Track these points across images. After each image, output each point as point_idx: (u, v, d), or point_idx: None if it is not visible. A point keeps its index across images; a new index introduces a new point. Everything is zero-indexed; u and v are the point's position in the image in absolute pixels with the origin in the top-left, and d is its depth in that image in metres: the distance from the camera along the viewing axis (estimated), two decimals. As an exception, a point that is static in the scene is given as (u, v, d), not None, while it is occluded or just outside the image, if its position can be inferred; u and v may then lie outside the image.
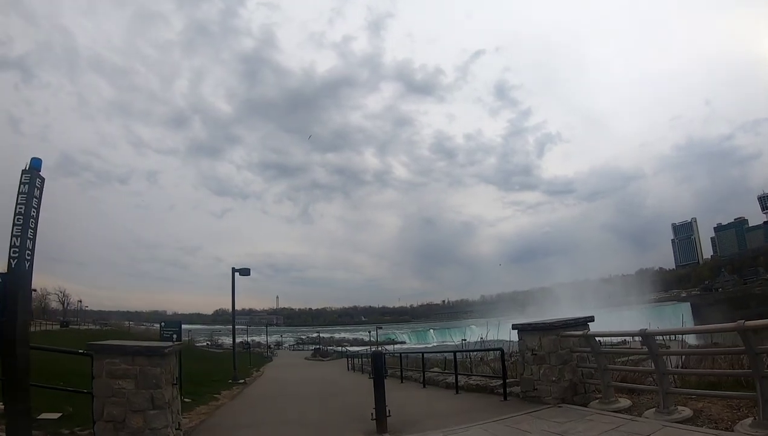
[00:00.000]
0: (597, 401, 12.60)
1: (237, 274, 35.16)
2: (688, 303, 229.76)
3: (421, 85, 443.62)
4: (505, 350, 19.39)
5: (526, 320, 15.77)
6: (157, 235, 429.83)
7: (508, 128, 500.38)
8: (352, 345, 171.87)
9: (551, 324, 13.91)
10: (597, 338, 13.47)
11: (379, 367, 12.75)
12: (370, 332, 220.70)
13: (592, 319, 14.87)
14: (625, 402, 12.16)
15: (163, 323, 22.61)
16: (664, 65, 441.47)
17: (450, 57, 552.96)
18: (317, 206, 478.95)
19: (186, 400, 19.68)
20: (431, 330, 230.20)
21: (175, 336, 21.42)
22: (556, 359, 13.42)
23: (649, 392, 12.04)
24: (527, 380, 14.27)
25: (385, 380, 12.49)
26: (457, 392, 18.61)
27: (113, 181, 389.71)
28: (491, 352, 24.82)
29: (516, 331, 15.15)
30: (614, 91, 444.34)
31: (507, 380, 15.62)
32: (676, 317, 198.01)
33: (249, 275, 34.90)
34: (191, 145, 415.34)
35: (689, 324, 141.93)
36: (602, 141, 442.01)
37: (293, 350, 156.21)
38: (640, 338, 11.32)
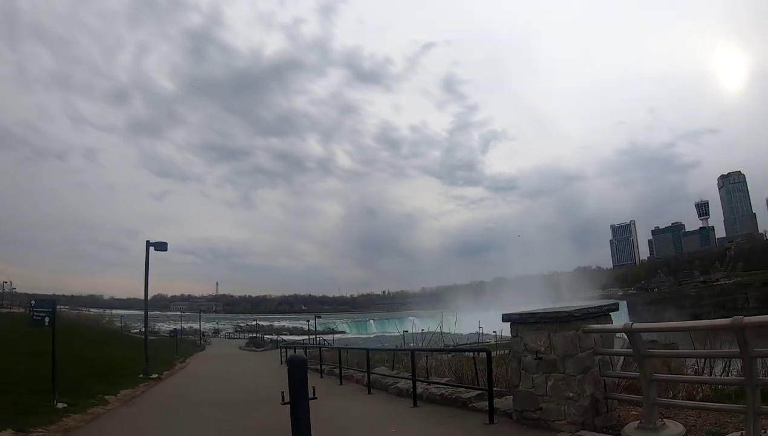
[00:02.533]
0: (635, 424, 8.33)
1: (152, 248, 29.88)
2: (624, 301, 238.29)
3: (368, 74, 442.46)
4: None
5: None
6: (97, 215, 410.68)
7: (454, 122, 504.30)
8: (291, 334, 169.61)
9: (570, 314, 9.35)
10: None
11: (298, 383, 6.87)
12: (308, 321, 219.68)
13: (616, 307, 10.90)
14: (676, 427, 8.21)
15: (33, 303, 17.05)
16: (613, 71, 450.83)
17: (400, 47, 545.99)
18: (259, 192, 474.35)
19: (59, 406, 15.22)
20: (371, 321, 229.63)
21: (47, 319, 16.25)
22: (575, 365, 9.00)
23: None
24: (525, 394, 9.71)
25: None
26: (414, 404, 13.77)
27: (51, 158, 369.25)
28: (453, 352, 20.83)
29: (508, 323, 10.36)
30: (561, 93, 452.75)
31: (490, 393, 10.63)
32: (613, 315, 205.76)
33: (166, 250, 29.59)
34: (132, 122, 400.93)
35: (624, 319, 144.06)
36: (546, 141, 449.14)
37: (230, 338, 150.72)
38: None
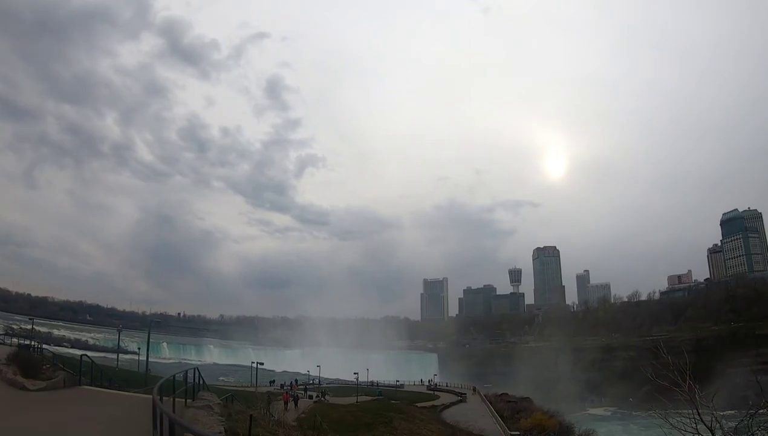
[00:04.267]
0: None
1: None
2: (435, 355, 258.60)
3: (186, 51, 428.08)
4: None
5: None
6: None
7: (271, 135, 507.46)
8: (73, 347, 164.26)
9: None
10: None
11: None
12: (92, 332, 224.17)
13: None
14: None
15: None
16: (446, 126, 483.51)
17: (229, 28, 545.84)
18: (46, 170, 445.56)
19: None
20: (164, 343, 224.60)
21: None
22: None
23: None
24: None
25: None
26: None
27: None
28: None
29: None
30: (391, 133, 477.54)
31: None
32: (423, 367, 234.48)
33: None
34: None
35: (436, 373, 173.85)
36: (367, 181, 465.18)
37: None
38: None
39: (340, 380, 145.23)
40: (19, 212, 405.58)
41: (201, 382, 26.16)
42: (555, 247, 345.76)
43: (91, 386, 30.92)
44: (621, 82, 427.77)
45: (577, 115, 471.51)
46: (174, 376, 21.46)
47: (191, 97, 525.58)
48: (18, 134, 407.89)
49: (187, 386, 22.48)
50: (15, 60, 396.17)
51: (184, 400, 20.68)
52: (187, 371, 22.42)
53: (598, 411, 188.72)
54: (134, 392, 33.07)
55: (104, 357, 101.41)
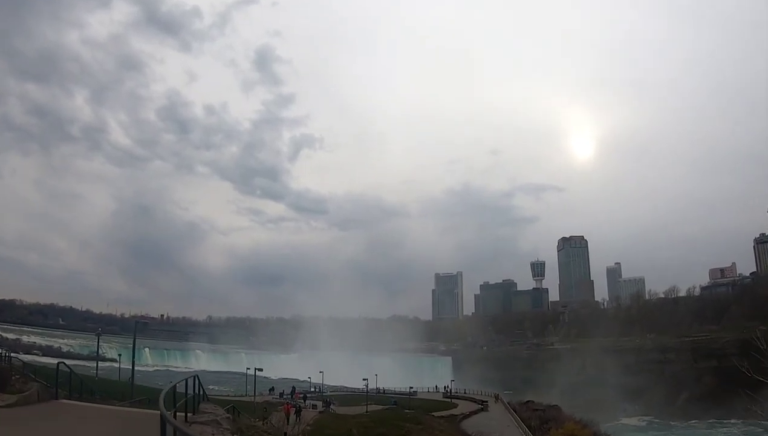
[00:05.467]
0: None
1: None
2: (449, 358, 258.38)
3: (164, 20, 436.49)
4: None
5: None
6: None
7: (262, 112, 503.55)
8: (45, 354, 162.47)
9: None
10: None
11: None
12: (66, 338, 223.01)
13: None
14: None
15: None
16: (458, 103, 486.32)
17: None
18: (9, 157, 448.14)
19: None
20: (146, 349, 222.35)
21: None
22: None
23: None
24: None
25: None
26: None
27: None
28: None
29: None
30: (396, 111, 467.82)
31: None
32: (436, 371, 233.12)
33: None
34: None
35: (448, 379, 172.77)
36: (369, 163, 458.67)
37: None
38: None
39: (345, 387, 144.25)
40: None
41: (201, 392, 24.77)
42: (582, 236, 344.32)
43: (70, 399, 28.94)
44: (656, 49, 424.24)
45: (606, 88, 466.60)
46: (176, 385, 19.99)
47: (171, 72, 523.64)
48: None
49: (188, 397, 20.88)
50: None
51: (184, 414, 19.38)
52: (187, 380, 20.95)
53: (632, 421, 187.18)
54: (120, 405, 31.95)
55: (80, 365, 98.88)
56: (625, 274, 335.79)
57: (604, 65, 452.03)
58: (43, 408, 24.67)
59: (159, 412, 14.96)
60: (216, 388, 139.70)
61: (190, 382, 21.75)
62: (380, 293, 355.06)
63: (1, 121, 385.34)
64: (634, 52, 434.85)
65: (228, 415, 23.58)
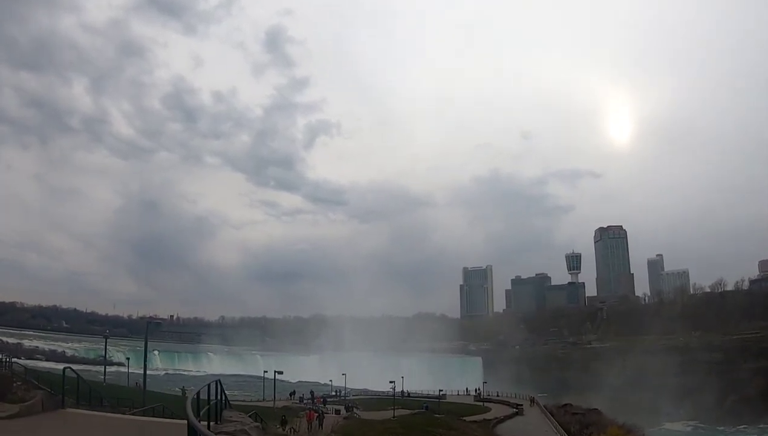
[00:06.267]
0: None
1: None
2: (479, 358, 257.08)
3: (167, 1, 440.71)
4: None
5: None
6: None
7: (274, 98, 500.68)
8: (48, 359, 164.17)
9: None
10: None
11: None
12: (70, 342, 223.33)
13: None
14: None
15: None
16: (486, 82, 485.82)
17: None
18: (5, 151, 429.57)
19: None
20: (156, 352, 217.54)
21: None
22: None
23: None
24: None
25: None
26: None
27: None
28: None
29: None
30: (419, 93, 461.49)
31: None
32: (465, 373, 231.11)
33: None
34: None
35: (478, 380, 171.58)
36: (391, 150, 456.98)
37: None
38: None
39: (368, 390, 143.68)
40: None
41: (224, 398, 23.93)
42: (621, 226, 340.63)
43: (78, 408, 28.12)
44: (700, 23, 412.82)
45: (647, 65, 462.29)
46: (200, 392, 19.10)
47: (175, 56, 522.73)
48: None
49: (211, 403, 20.04)
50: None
51: (207, 422, 18.54)
52: (210, 385, 20.09)
53: (676, 426, 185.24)
54: (133, 414, 31.17)
55: (86, 370, 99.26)
56: (668, 266, 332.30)
57: (641, 42, 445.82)
58: (49, 418, 23.63)
59: (177, 421, 14.28)
60: (230, 393, 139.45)
61: (207, 388, 20.80)
62: (405, 290, 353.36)
63: None
64: (675, 27, 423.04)
65: (257, 423, 22.67)
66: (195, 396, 17.80)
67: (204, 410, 19.02)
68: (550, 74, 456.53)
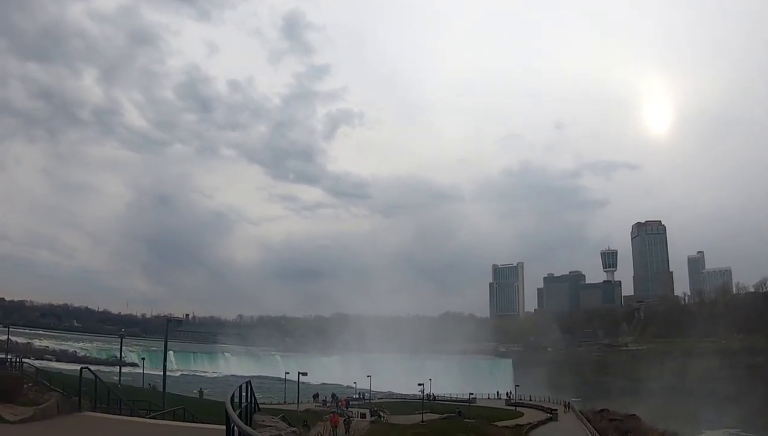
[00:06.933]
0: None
1: None
2: (509, 360, 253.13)
3: None
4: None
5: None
6: None
7: (293, 87, 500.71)
8: (59, 360, 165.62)
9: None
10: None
11: None
12: (81, 342, 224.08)
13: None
14: None
15: None
16: (515, 70, 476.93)
17: None
18: (12, 145, 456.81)
19: None
20: (171, 352, 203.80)
21: None
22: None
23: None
24: None
25: None
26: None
27: None
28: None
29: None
30: (443, 78, 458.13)
31: None
32: (495, 375, 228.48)
33: None
34: None
35: (509, 384, 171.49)
36: (415, 141, 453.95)
37: None
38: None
39: (393, 393, 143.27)
40: None
41: (254, 401, 23.30)
42: (660, 222, 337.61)
43: (95, 411, 27.53)
44: (743, 10, 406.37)
45: (686, 52, 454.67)
46: (234, 394, 18.48)
47: (189, 44, 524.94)
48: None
49: (242, 407, 19.49)
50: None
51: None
52: (241, 386, 19.53)
53: (717, 433, 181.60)
54: (153, 418, 30.61)
55: (98, 371, 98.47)
56: (709, 264, 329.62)
57: (680, 28, 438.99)
58: (66, 422, 23.00)
59: (209, 426, 13.66)
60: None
61: (239, 390, 20.21)
62: (431, 288, 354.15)
63: (2, 106, 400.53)
64: (713, 14, 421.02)
65: (293, 428, 22.09)
66: (231, 398, 17.03)
67: (236, 413, 18.42)
68: (584, 61, 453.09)
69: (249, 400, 21.16)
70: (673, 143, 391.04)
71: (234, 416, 13.64)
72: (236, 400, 18.64)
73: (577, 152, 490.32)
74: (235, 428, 13.56)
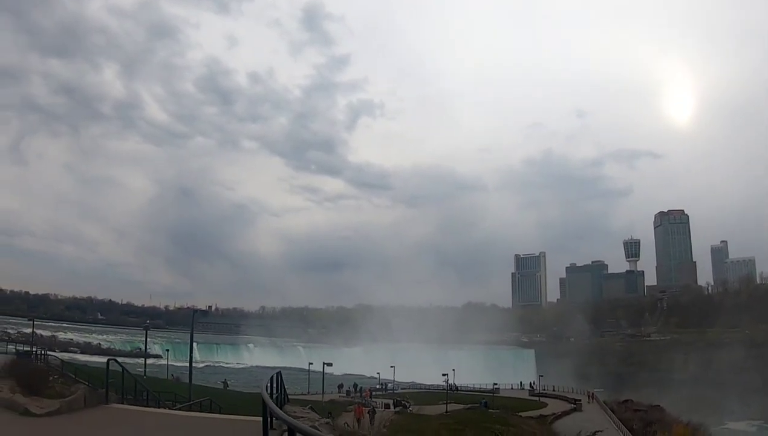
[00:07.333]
0: None
1: None
2: (532, 350, 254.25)
3: None
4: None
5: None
6: None
7: (313, 78, 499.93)
8: (83, 352, 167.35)
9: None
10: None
11: None
12: (105, 334, 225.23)
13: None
14: None
15: None
16: (537, 58, 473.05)
17: None
18: (35, 140, 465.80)
19: None
20: (195, 344, 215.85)
21: None
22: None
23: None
24: None
25: None
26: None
27: None
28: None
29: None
30: (464, 67, 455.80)
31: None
32: (518, 366, 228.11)
33: None
34: None
35: (532, 374, 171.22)
36: (437, 130, 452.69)
37: None
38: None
39: (416, 383, 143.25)
40: (7, 195, 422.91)
41: (283, 391, 23.04)
42: (683, 211, 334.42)
43: (123, 403, 27.00)
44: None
45: (710, 38, 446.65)
46: (267, 384, 18.25)
47: (208, 37, 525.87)
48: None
49: (273, 397, 19.25)
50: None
51: (269, 418, 17.61)
52: (272, 377, 19.31)
53: (740, 425, 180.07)
54: (182, 410, 30.39)
55: (123, 363, 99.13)
56: (733, 254, 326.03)
57: (704, 13, 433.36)
58: (94, 415, 22.71)
59: (241, 418, 13.40)
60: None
61: (271, 381, 20.01)
62: (453, 278, 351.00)
63: (25, 102, 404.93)
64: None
65: (327, 420, 21.82)
66: (266, 387, 16.84)
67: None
68: (606, 48, 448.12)
69: (279, 390, 20.96)
70: (696, 131, 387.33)
71: (273, 405, 13.48)
72: (267, 391, 18.44)
73: (600, 141, 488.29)
74: (272, 418, 13.33)
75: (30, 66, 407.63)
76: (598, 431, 72.83)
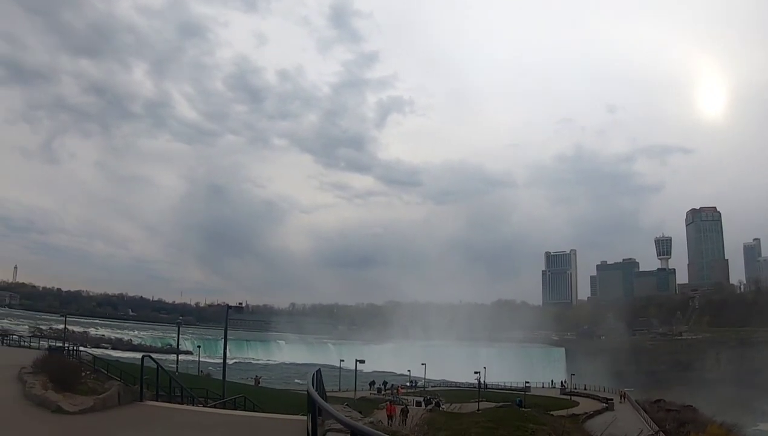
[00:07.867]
0: None
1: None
2: (563, 349, 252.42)
3: None
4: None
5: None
6: None
7: (342, 75, 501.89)
8: (115, 348, 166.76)
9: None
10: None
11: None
12: (136, 330, 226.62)
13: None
14: None
15: None
16: (567, 53, 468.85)
17: None
18: (67, 140, 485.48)
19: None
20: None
21: None
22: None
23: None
24: None
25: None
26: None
27: None
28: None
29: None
30: (493, 62, 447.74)
31: None
32: (548, 364, 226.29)
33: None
34: None
35: (562, 372, 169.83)
36: (467, 126, 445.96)
37: (22, 345, 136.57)
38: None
39: (447, 381, 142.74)
40: (39, 193, 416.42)
41: (322, 389, 22.55)
42: (715, 208, 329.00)
43: (158, 400, 26.70)
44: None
45: (742, 30, 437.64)
46: (310, 380, 17.82)
47: (237, 35, 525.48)
48: (29, 101, 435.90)
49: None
50: (16, 12, 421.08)
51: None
52: (314, 375, 18.86)
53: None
54: (217, 408, 30.00)
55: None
56: (765, 252, 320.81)
57: (736, 3, 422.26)
58: (129, 413, 22.13)
59: (283, 417, 12.89)
60: (301, 382, 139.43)
61: (312, 377, 19.47)
62: (483, 275, 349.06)
63: (56, 102, 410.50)
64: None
65: (370, 419, 21.24)
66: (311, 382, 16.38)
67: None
68: (636, 42, 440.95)
69: (319, 388, 20.50)
70: (728, 126, 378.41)
71: (321, 401, 13.17)
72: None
73: (631, 136, 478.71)
74: (319, 416, 13.05)
75: (61, 66, 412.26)
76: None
